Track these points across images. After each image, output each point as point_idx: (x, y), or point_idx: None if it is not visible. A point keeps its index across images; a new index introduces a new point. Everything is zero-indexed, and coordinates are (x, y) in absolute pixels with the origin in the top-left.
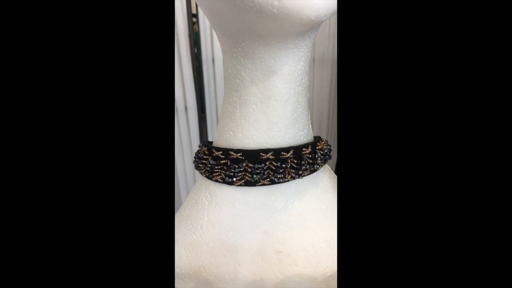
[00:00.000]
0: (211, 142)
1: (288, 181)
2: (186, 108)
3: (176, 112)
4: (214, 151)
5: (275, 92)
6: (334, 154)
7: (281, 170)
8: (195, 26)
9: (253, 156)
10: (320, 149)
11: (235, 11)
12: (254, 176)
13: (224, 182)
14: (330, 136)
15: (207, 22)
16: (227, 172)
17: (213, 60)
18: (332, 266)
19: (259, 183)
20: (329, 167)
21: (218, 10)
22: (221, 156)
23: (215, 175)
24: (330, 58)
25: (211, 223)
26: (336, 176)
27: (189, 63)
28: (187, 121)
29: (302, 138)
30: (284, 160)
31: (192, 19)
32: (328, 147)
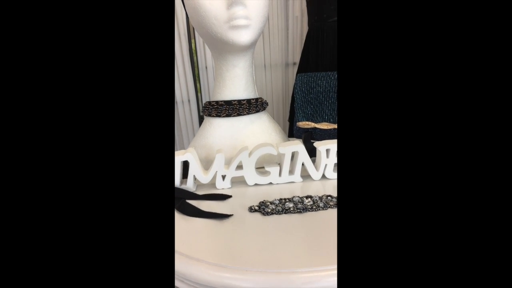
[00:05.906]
0: (209, 100)
1: (245, 115)
2: (189, 100)
3: (183, 102)
4: (211, 102)
5: (237, 74)
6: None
7: (241, 109)
8: (193, 45)
9: (229, 103)
10: (260, 101)
11: (216, 42)
12: (230, 112)
13: (216, 116)
14: (284, 111)
15: (201, 42)
16: (218, 111)
17: (206, 67)
18: None
19: (232, 115)
20: (268, 113)
21: (208, 41)
22: (215, 104)
23: (212, 113)
24: (280, 64)
25: (211, 135)
26: (274, 120)
27: (190, 70)
28: (190, 108)
29: (251, 95)
30: (242, 105)
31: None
32: (265, 101)
